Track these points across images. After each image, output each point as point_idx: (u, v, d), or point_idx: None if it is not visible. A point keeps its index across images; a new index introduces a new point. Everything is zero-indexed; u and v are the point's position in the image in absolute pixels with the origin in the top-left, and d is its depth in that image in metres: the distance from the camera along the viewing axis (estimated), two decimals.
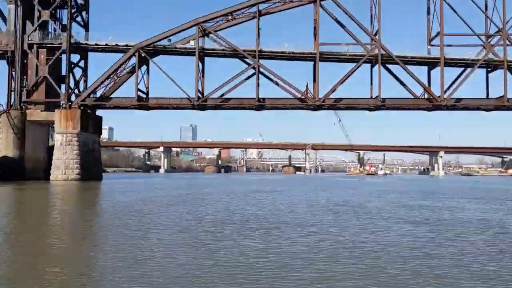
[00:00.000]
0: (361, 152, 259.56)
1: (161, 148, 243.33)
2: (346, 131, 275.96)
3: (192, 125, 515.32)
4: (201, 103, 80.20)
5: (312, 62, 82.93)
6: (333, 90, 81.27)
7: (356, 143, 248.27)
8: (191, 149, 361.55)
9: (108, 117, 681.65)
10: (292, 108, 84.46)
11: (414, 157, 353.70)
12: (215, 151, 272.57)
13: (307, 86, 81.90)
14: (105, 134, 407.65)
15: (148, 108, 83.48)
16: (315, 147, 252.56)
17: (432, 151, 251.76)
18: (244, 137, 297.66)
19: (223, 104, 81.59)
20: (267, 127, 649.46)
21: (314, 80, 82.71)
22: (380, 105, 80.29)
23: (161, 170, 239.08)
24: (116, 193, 47.06)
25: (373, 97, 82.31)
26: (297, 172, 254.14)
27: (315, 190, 58.90)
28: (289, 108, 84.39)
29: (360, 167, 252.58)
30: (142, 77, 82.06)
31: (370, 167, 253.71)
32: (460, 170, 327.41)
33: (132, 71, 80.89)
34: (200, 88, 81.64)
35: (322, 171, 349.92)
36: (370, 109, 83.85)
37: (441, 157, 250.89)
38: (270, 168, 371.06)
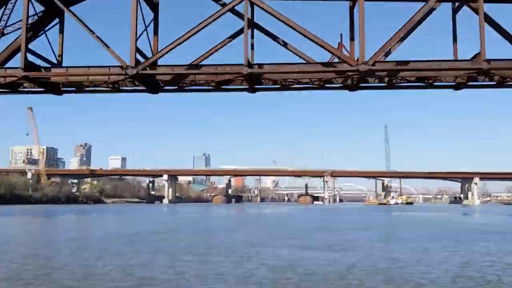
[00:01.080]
0: (386, 179, 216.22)
1: (165, 177, 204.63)
2: (390, 155, 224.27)
3: (205, 154, 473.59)
4: (144, 73, 39.21)
5: (348, 3, 42.38)
6: (386, 50, 39.92)
7: (393, 169, 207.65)
8: (204, 178, 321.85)
9: (121, 146, 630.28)
10: (312, 86, 42.85)
11: (439, 185, 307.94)
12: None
13: (341, 40, 40.77)
14: (117, 164, 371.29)
15: (53, 87, 43.01)
16: (334, 174, 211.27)
17: (465, 178, 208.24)
18: (259, 165, 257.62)
19: (187, 75, 40.77)
20: (282, 153, 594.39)
21: (352, 38, 41.45)
22: (485, 69, 37.89)
23: (165, 201, 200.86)
24: None
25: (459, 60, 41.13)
26: (315, 202, 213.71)
27: None
28: (307, 85, 42.84)
29: (385, 196, 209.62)
30: (44, 32, 42.36)
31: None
32: (488, 198, 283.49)
33: (39, 26, 41.16)
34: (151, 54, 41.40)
35: (340, 200, 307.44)
36: (459, 86, 41.57)
37: (476, 184, 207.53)
38: (286, 198, 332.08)
